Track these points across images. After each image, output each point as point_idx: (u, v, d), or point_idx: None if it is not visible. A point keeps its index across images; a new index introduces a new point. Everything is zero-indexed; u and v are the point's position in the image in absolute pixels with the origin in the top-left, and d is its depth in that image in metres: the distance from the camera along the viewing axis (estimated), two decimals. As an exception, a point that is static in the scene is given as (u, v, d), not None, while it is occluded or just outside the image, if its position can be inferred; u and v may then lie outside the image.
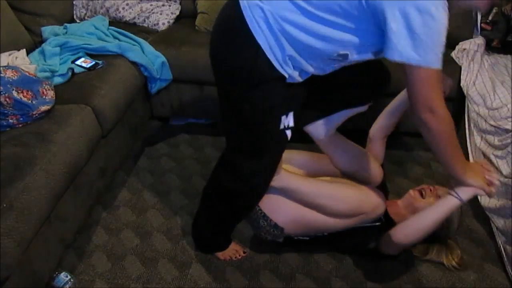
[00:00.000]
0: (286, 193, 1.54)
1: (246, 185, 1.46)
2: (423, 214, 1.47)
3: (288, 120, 1.33)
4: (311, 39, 1.16)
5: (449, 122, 1.19)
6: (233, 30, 1.23)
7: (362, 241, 1.64)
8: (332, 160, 1.67)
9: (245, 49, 1.21)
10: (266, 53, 1.19)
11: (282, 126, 1.32)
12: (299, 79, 1.28)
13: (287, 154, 1.49)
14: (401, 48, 1.05)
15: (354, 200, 1.54)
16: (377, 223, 1.61)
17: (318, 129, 1.59)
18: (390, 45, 1.06)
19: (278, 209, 1.57)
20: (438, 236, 1.64)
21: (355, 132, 1.78)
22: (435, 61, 1.07)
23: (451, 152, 1.26)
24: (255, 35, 1.17)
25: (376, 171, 1.66)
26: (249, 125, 1.34)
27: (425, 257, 1.68)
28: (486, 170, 1.40)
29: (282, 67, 1.22)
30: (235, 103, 1.32)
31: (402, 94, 1.64)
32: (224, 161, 1.53)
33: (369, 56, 1.20)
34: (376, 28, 1.10)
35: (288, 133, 1.35)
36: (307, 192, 1.53)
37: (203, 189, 1.65)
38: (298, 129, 1.48)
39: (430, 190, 1.63)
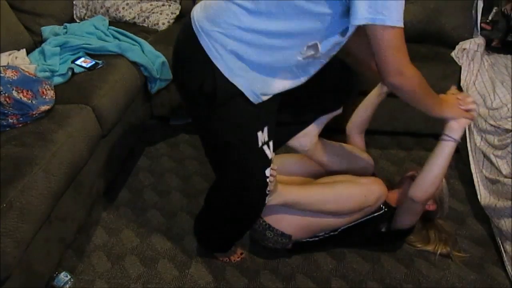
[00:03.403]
0: (288, 207, 1.52)
1: (241, 204, 1.43)
2: (429, 168, 1.50)
3: (264, 136, 1.29)
4: (275, 40, 1.14)
5: (419, 79, 1.20)
6: (191, 57, 1.22)
7: (373, 230, 1.66)
8: (323, 166, 1.71)
9: (204, 71, 1.19)
10: (227, 77, 1.18)
11: (260, 143, 1.28)
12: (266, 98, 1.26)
13: (278, 159, 1.50)
14: (365, 11, 1.04)
15: (358, 197, 1.55)
16: (381, 212, 1.63)
17: (301, 142, 1.62)
18: (354, 11, 1.06)
19: (282, 219, 1.57)
20: (432, 216, 1.72)
21: (334, 131, 1.82)
22: (398, 20, 1.06)
23: (427, 101, 1.31)
24: (213, 60, 1.17)
25: (366, 161, 1.74)
26: (228, 148, 1.29)
27: (427, 247, 1.71)
28: (460, 100, 1.45)
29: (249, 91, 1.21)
30: (206, 125, 1.30)
31: (371, 94, 1.75)
32: (215, 188, 1.53)
33: (336, 38, 1.17)
34: (334, 3, 1.09)
35: (267, 149, 1.31)
36: (310, 202, 1.52)
37: (205, 199, 1.61)
38: (279, 146, 1.51)
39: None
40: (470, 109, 1.44)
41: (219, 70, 1.17)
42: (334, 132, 1.80)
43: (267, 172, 1.32)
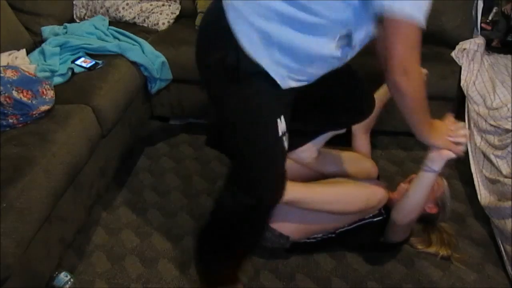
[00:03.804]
0: (291, 205, 1.49)
1: (253, 200, 1.30)
2: (410, 195, 1.49)
3: (283, 125, 1.21)
4: (310, 17, 1.08)
5: (422, 87, 1.15)
6: (216, 31, 1.17)
7: (372, 238, 1.66)
8: (324, 174, 1.69)
9: (228, 44, 1.13)
10: (251, 54, 1.11)
11: (280, 133, 1.20)
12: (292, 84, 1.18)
13: None
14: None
15: (360, 199, 1.54)
16: (380, 217, 1.63)
17: (300, 155, 1.60)
18: None
19: (281, 220, 1.56)
20: (434, 219, 1.70)
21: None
22: (419, 15, 1.03)
23: (419, 117, 1.23)
24: (237, 35, 1.11)
25: (369, 167, 1.71)
26: (247, 131, 1.21)
27: (428, 249, 1.71)
28: (452, 130, 1.37)
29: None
30: (225, 103, 1.22)
31: (380, 91, 1.68)
32: (229, 181, 1.39)
33: (370, 27, 1.12)
34: None
35: (285, 142, 1.24)
36: (312, 201, 1.50)
37: (211, 213, 1.45)
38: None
39: None
40: (460, 142, 1.36)
41: (242, 45, 1.10)
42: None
43: (284, 162, 1.26)
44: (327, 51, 1.13)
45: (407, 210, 1.51)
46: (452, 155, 1.37)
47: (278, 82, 1.14)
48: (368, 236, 1.66)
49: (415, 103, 1.18)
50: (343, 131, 1.60)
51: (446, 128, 1.37)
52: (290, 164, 1.71)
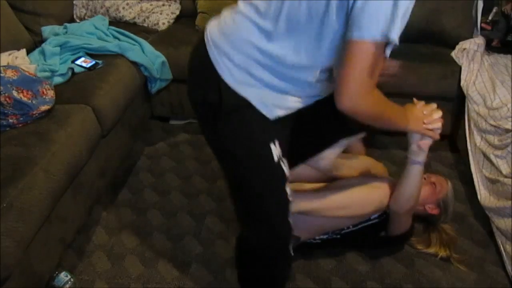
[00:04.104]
0: (301, 214, 1.49)
1: (267, 237, 1.27)
2: (402, 186, 1.52)
3: (278, 150, 1.16)
4: (289, 71, 1.06)
5: (377, 103, 1.06)
6: (198, 67, 1.16)
7: (375, 236, 1.67)
8: (336, 177, 1.69)
9: (209, 80, 1.12)
10: (233, 88, 1.09)
11: (276, 158, 1.15)
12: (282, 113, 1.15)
13: None
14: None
15: (374, 202, 1.56)
16: (384, 216, 1.63)
17: (319, 164, 1.56)
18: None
19: (294, 221, 1.55)
20: (435, 220, 1.73)
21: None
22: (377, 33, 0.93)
23: (390, 121, 1.19)
24: (218, 71, 1.09)
25: (377, 167, 1.73)
26: (242, 166, 1.17)
27: (428, 249, 1.71)
28: (426, 115, 1.35)
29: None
30: (218, 143, 1.20)
31: None
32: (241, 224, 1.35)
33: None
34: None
35: (283, 165, 1.18)
36: (323, 209, 1.51)
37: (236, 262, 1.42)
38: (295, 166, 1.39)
39: (424, 179, 1.70)
40: (435, 128, 1.36)
41: (224, 81, 1.09)
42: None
43: (288, 189, 1.21)
44: (310, 79, 1.10)
45: (403, 199, 1.54)
46: (430, 142, 1.40)
47: (264, 113, 1.12)
48: (372, 235, 1.67)
49: (380, 116, 1.12)
50: (363, 135, 1.55)
51: (420, 112, 1.36)
52: (301, 167, 1.69)
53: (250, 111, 1.12)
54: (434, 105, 1.38)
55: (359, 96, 0.99)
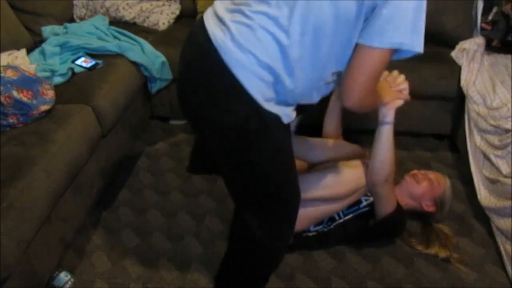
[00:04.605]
0: None
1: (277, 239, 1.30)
2: (374, 152, 1.56)
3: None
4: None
5: (368, 99, 1.12)
6: (221, 90, 1.06)
7: (365, 224, 1.68)
8: (313, 163, 1.72)
9: (240, 106, 1.06)
10: (263, 106, 1.05)
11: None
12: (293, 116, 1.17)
13: None
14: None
15: (350, 181, 1.57)
16: (367, 208, 1.66)
17: None
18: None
19: None
20: (433, 217, 1.75)
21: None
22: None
23: (376, 105, 1.39)
24: (249, 90, 1.02)
25: (354, 149, 1.76)
26: (272, 174, 1.16)
27: (427, 250, 1.71)
28: (390, 82, 1.50)
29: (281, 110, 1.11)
30: (244, 164, 1.15)
31: (333, 95, 1.75)
32: (240, 225, 1.36)
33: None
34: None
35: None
36: (303, 190, 1.51)
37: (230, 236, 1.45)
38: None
39: (422, 175, 1.75)
40: (402, 88, 1.50)
41: (257, 102, 1.04)
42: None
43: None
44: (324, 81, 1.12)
45: (378, 167, 1.56)
46: (400, 102, 1.51)
47: (283, 120, 1.11)
48: (364, 224, 1.68)
49: (369, 108, 1.21)
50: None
51: (386, 83, 1.49)
52: None
53: (277, 124, 1.11)
54: (395, 72, 1.53)
55: (365, 98, 1.07)
